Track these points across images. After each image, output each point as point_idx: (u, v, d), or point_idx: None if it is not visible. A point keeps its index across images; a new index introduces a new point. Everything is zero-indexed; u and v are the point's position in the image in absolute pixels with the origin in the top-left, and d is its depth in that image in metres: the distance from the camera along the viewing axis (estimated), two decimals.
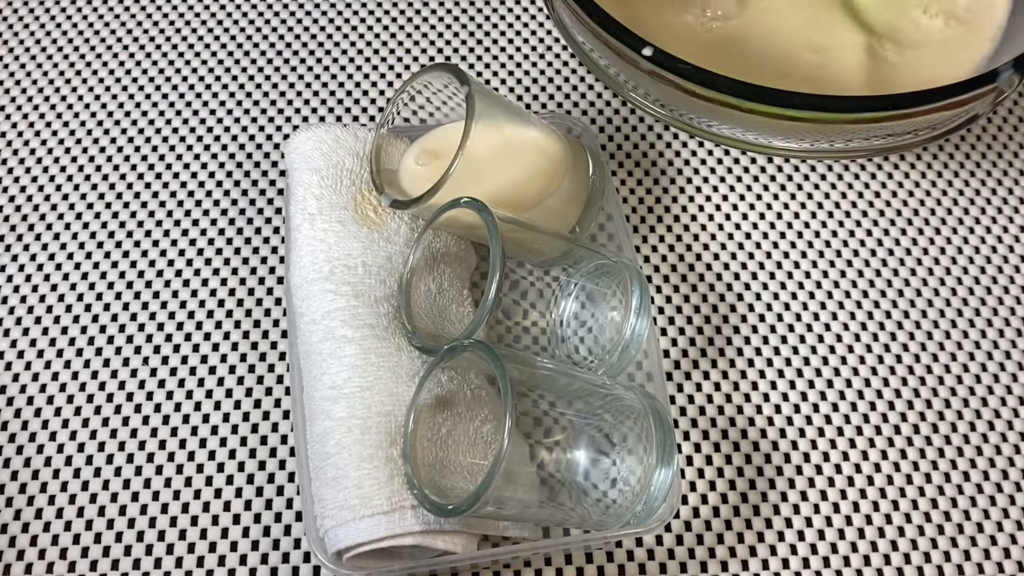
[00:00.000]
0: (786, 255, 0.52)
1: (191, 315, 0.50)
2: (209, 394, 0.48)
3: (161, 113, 0.56)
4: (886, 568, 0.45)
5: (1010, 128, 0.57)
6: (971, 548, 0.45)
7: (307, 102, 0.56)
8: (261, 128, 0.55)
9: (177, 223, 0.52)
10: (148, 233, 0.52)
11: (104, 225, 0.52)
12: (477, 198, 0.42)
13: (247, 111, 0.56)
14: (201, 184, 0.53)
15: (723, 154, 0.55)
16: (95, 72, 0.57)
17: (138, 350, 0.49)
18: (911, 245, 0.53)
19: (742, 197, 0.54)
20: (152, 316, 0.49)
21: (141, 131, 0.55)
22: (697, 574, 0.44)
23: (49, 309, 0.50)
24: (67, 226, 0.52)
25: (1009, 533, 0.46)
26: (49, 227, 0.52)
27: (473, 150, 0.43)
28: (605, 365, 0.45)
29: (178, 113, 0.56)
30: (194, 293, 0.50)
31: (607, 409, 0.42)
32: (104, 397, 0.47)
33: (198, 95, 0.56)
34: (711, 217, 0.53)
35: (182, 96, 0.56)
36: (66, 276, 0.50)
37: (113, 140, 0.55)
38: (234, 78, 0.57)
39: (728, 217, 0.53)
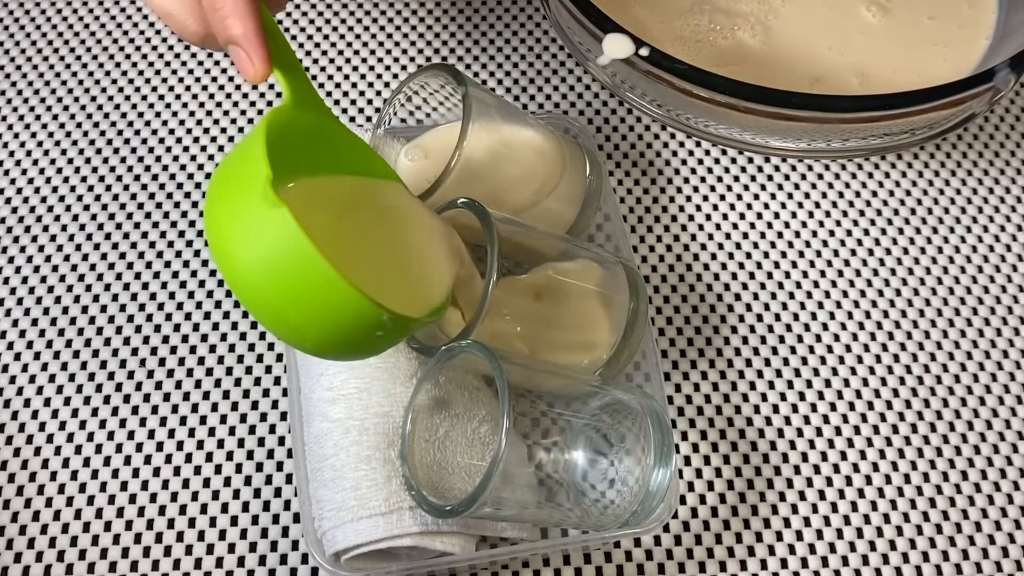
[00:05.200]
0: (783, 255, 0.52)
1: (188, 316, 0.50)
2: (207, 395, 0.48)
3: (158, 115, 0.56)
4: (884, 567, 0.45)
5: (1007, 127, 0.57)
6: (969, 547, 0.45)
7: None
8: None
9: (174, 224, 0.52)
10: (145, 235, 0.52)
11: (101, 227, 0.52)
12: (474, 199, 0.42)
13: (243, 112, 0.56)
14: (198, 185, 0.53)
15: (720, 153, 0.55)
16: (91, 74, 0.57)
17: (135, 352, 0.49)
18: (907, 244, 0.53)
19: (739, 196, 0.54)
20: (149, 318, 0.49)
21: (137, 132, 0.55)
22: (695, 574, 0.44)
23: (46, 311, 0.50)
24: (63, 227, 0.52)
25: (1007, 532, 0.46)
26: (46, 229, 0.52)
27: (470, 151, 0.43)
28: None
29: (175, 114, 0.56)
30: (191, 295, 0.50)
31: (605, 410, 0.42)
32: (101, 399, 0.47)
33: (194, 96, 0.56)
34: (708, 216, 0.53)
35: (178, 97, 0.56)
36: (63, 278, 0.50)
37: (110, 142, 0.55)
38: (231, 79, 0.57)
39: (725, 216, 0.53)
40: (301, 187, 0.38)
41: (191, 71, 0.57)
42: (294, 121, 0.37)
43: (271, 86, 0.57)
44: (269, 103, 0.56)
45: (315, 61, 0.58)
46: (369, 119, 0.56)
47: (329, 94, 0.57)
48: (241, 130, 0.55)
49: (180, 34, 0.39)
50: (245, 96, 0.56)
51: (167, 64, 0.57)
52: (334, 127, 0.40)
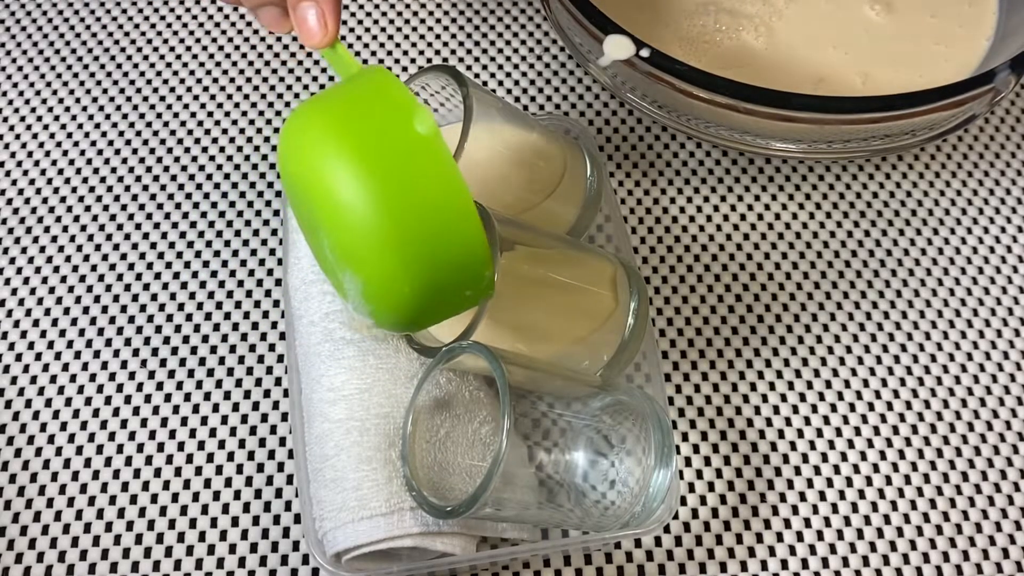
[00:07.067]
0: (784, 255, 0.52)
1: (189, 317, 0.50)
2: (207, 396, 0.48)
3: (159, 115, 0.56)
4: (884, 568, 0.45)
5: (1007, 128, 0.57)
6: (969, 548, 0.45)
7: None
8: (259, 130, 0.55)
9: (175, 225, 0.52)
10: (146, 236, 0.52)
11: (102, 228, 0.52)
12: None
13: (244, 113, 0.56)
14: (199, 186, 0.53)
15: (720, 155, 0.55)
16: (92, 75, 0.57)
17: (136, 352, 0.49)
18: (908, 245, 0.53)
19: (740, 197, 0.54)
20: (150, 319, 0.49)
21: (139, 133, 0.55)
22: (695, 575, 0.44)
23: (47, 312, 0.50)
24: (64, 228, 0.52)
25: (1008, 533, 0.46)
26: (47, 230, 0.52)
27: (470, 152, 0.43)
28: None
29: (176, 115, 0.56)
30: (192, 296, 0.50)
31: (606, 410, 0.42)
32: (102, 400, 0.47)
33: (195, 97, 0.56)
34: (709, 218, 0.53)
35: (179, 98, 0.56)
36: (64, 279, 0.50)
37: (111, 143, 0.55)
38: (231, 80, 0.57)
39: (726, 218, 0.53)
40: None
41: (192, 72, 0.57)
42: None
43: (272, 87, 0.57)
44: (270, 104, 0.56)
45: (316, 62, 0.58)
46: None
47: None
48: (242, 131, 0.55)
49: None
50: (246, 97, 0.56)
51: (168, 65, 0.58)
52: None
